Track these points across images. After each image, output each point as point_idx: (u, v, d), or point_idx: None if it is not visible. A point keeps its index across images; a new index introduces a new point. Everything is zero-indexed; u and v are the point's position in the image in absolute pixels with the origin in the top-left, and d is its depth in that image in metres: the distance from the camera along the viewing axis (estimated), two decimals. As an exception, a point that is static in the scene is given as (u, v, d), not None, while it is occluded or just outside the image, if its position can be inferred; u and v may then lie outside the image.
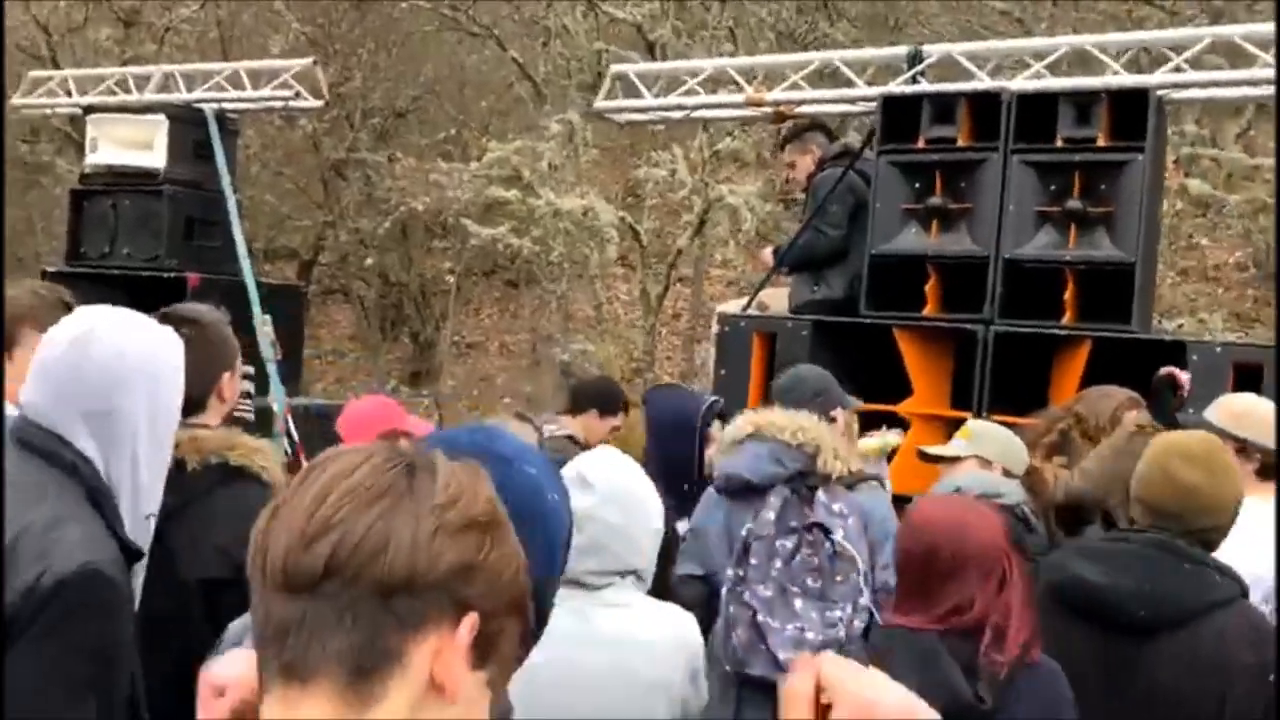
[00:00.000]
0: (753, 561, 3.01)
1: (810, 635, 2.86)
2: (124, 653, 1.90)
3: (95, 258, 6.74)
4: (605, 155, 12.04)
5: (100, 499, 1.95)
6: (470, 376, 14.35)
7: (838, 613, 2.88)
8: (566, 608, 2.12)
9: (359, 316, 14.96)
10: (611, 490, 2.23)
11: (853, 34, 10.37)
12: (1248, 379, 4.00)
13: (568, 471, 2.25)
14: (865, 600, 2.92)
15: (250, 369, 4.30)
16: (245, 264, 6.63)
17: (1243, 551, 2.67)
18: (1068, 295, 4.40)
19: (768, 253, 5.65)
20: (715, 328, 5.15)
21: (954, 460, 3.57)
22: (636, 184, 10.58)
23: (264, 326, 6.39)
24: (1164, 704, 2.42)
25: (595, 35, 10.84)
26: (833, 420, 3.39)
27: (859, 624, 2.89)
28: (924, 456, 3.67)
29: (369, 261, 12.44)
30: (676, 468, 3.67)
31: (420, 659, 0.95)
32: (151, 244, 6.61)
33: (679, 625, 2.33)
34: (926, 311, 4.65)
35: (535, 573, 1.29)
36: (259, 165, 13.20)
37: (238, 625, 1.55)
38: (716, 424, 3.83)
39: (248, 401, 4.06)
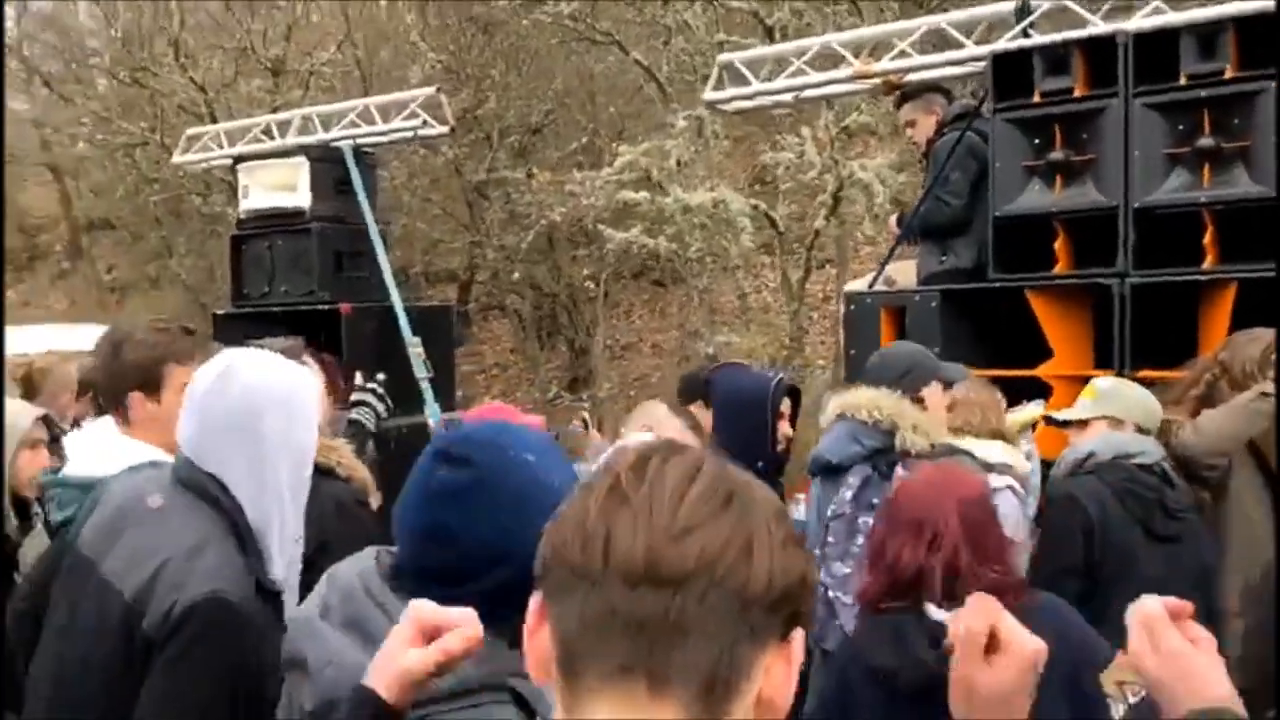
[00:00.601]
0: (830, 539, 3.03)
1: None
2: (248, 679, 1.96)
3: (257, 297, 7.17)
4: (738, 146, 12.04)
5: (243, 536, 2.06)
6: (625, 378, 14.58)
7: None
8: None
9: (516, 329, 15.40)
10: None
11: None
12: None
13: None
14: None
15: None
16: (393, 290, 6.94)
17: None
18: (1207, 238, 4.18)
19: (893, 221, 5.57)
20: (842, 308, 5.09)
21: (1083, 424, 3.51)
22: (767, 170, 10.52)
23: (415, 348, 6.67)
24: None
25: (715, 27, 10.84)
26: (919, 400, 3.33)
27: None
28: (1051, 421, 3.58)
29: (516, 276, 12.77)
30: (748, 447, 3.61)
31: (759, 674, 0.93)
32: (305, 280, 6.98)
33: None
34: (1058, 270, 4.49)
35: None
36: (408, 194, 13.75)
37: (303, 611, 1.62)
38: (786, 401, 3.82)
39: (367, 410, 4.31)
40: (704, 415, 4.39)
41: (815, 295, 12.71)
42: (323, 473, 2.55)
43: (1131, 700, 2.12)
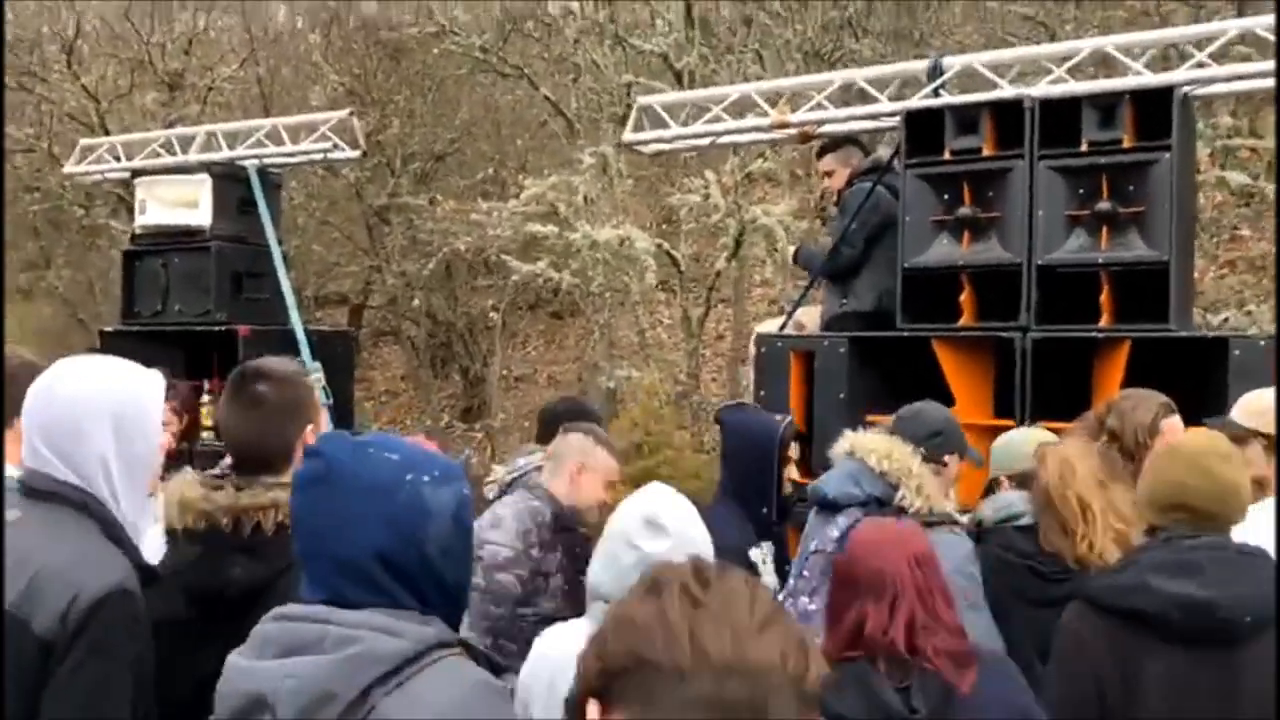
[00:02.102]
0: (805, 574, 3.05)
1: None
2: (147, 665, 2.04)
3: (148, 316, 6.94)
4: (640, 184, 12.15)
5: (115, 531, 2.10)
6: (520, 408, 14.49)
7: None
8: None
9: (410, 356, 15.19)
10: (683, 533, 2.31)
11: (878, 49, 10.39)
12: (1291, 371, 3.95)
13: (631, 512, 2.35)
14: None
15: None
16: (294, 314, 6.80)
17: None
18: (1103, 297, 4.39)
19: (790, 252, 5.74)
20: (753, 349, 5.18)
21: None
22: (671, 211, 10.66)
23: (315, 374, 6.54)
24: (1258, 707, 2.39)
25: (624, 68, 10.97)
26: (942, 465, 3.34)
27: None
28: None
29: (415, 302, 12.63)
30: (754, 491, 3.67)
31: None
32: (202, 299, 6.79)
33: None
34: (963, 321, 4.66)
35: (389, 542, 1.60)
36: (305, 214, 13.49)
37: (234, 662, 1.66)
38: (794, 446, 3.85)
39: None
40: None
41: (709, 332, 12.88)
42: None
43: None
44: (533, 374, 15.41)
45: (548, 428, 4.52)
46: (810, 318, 5.54)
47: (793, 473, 3.73)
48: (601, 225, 9.23)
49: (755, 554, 3.50)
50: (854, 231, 5.08)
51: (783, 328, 5.36)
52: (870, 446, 3.18)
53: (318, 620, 1.58)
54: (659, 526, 2.29)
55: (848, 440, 3.26)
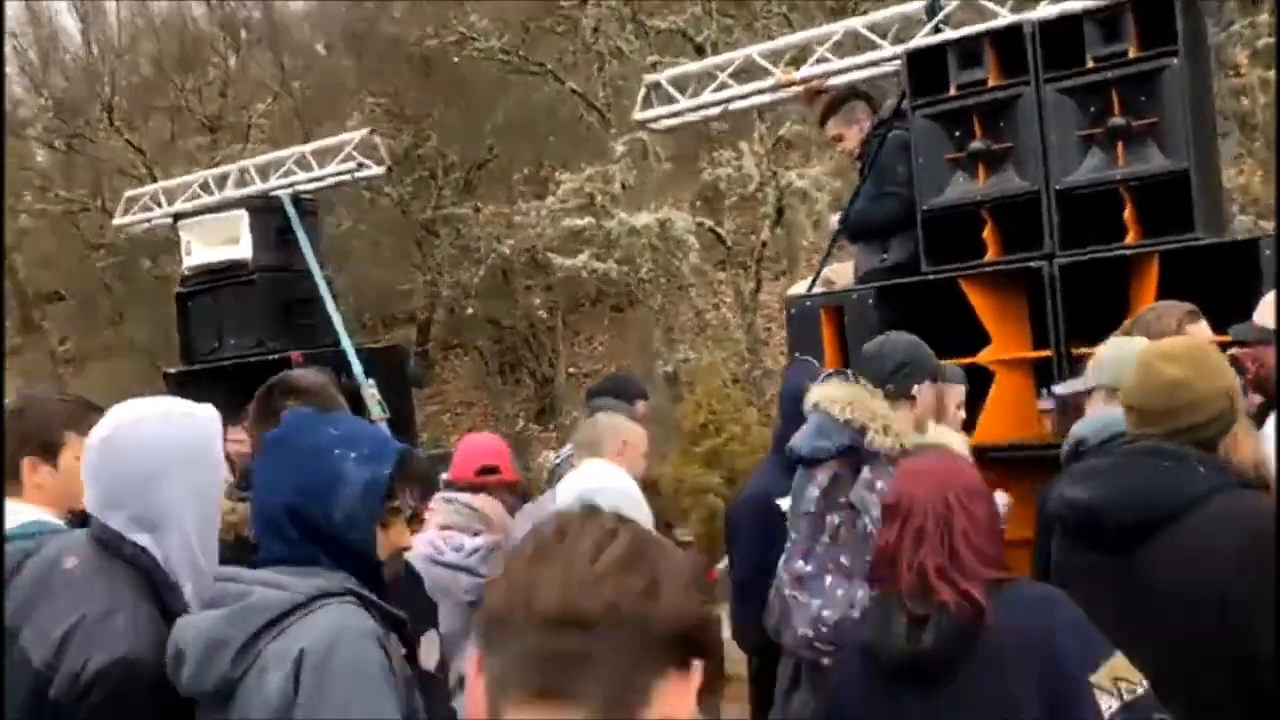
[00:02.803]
0: (793, 535, 3.04)
1: (827, 613, 2.88)
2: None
3: (206, 353, 7.13)
4: (679, 166, 12.14)
5: (160, 587, 2.08)
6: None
7: (861, 592, 2.87)
8: None
9: (478, 365, 15.41)
10: (614, 509, 2.35)
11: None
12: (1329, 266, 3.82)
13: (567, 491, 2.46)
14: None
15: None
16: (343, 334, 6.93)
17: None
18: (1127, 214, 4.27)
19: (834, 220, 5.58)
20: (785, 312, 5.15)
21: (1088, 394, 3.21)
22: (710, 187, 10.63)
23: (369, 389, 6.67)
24: (1169, 604, 2.38)
25: (648, 50, 10.96)
26: (910, 397, 3.27)
27: None
28: (1055, 395, 3.45)
29: (470, 310, 12.80)
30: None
31: (660, 700, 1.08)
32: (253, 331, 6.95)
33: None
34: (988, 257, 4.57)
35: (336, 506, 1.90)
36: (357, 239, 13.77)
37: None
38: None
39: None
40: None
41: (772, 305, 12.82)
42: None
43: (1126, 698, 2.17)
44: (600, 369, 15.52)
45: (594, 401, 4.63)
46: (840, 275, 5.47)
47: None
48: (640, 210, 9.24)
49: (784, 502, 3.48)
50: (902, 171, 4.85)
51: (811, 287, 5.31)
52: (832, 397, 3.13)
53: (230, 579, 1.90)
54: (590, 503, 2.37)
55: (813, 393, 3.21)
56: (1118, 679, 2.19)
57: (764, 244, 10.01)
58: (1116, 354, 3.11)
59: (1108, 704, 2.16)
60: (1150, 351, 2.60)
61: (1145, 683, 2.20)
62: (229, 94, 13.71)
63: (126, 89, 13.52)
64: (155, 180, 12.39)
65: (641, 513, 2.42)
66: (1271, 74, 7.21)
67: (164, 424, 2.16)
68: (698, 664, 1.10)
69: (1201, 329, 3.42)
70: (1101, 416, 3.04)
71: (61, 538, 2.25)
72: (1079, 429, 3.10)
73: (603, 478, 2.48)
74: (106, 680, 1.94)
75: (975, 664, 2.23)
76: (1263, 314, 3.12)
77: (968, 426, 4.23)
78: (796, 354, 5.03)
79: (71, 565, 2.09)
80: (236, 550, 2.38)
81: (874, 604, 2.46)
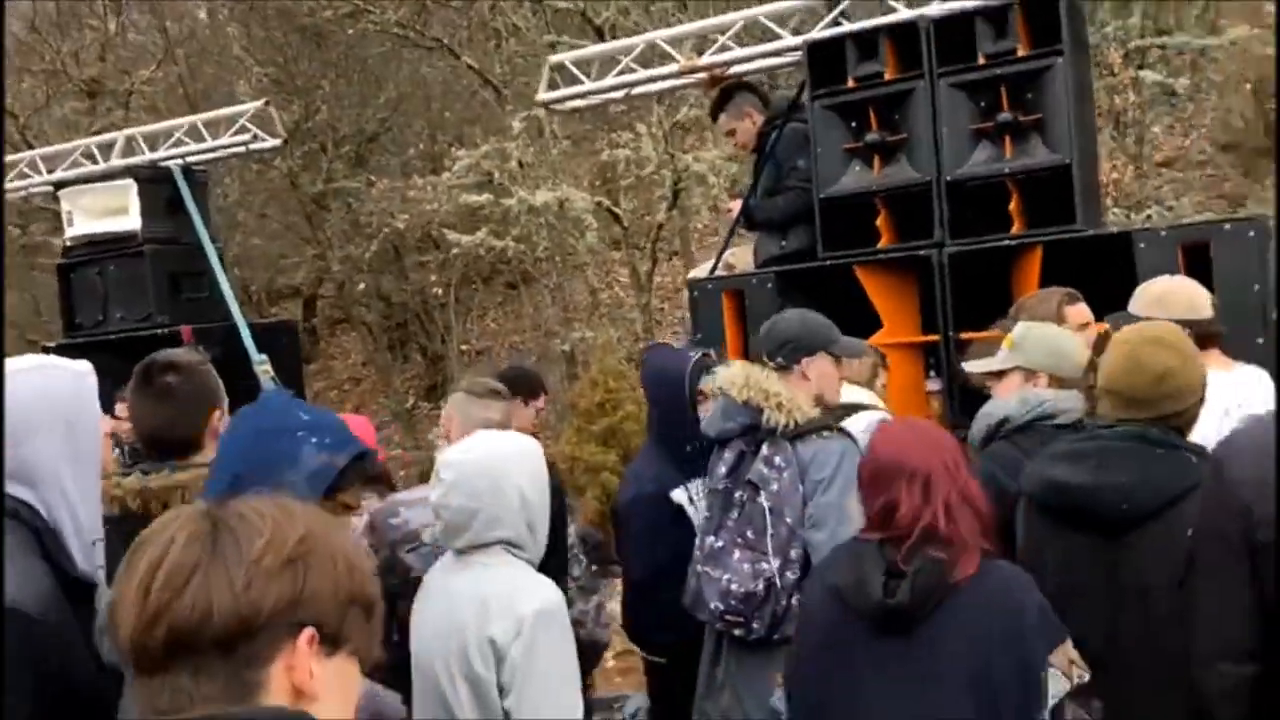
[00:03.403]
0: (706, 514, 3.15)
1: (735, 586, 2.97)
2: (59, 682, 2.04)
3: (90, 326, 6.93)
4: (577, 145, 12.15)
5: (44, 538, 2.11)
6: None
7: (765, 565, 2.97)
8: (442, 566, 2.59)
9: (367, 341, 15.17)
10: (458, 478, 2.51)
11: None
12: (1195, 257, 4.09)
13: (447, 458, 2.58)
14: (796, 553, 2.99)
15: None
16: (235, 309, 6.80)
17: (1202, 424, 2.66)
18: (1013, 206, 4.50)
19: (736, 203, 5.65)
20: (687, 294, 5.26)
21: (1000, 375, 3.27)
22: (608, 167, 10.69)
23: (262, 365, 6.56)
24: (1155, 592, 2.45)
25: (545, 28, 10.93)
26: (799, 370, 3.33)
27: (791, 575, 2.98)
28: (969, 374, 3.47)
29: (361, 286, 12.61)
30: (675, 431, 3.67)
31: (278, 678, 1.15)
32: (141, 304, 6.80)
33: (521, 589, 2.49)
34: (882, 244, 4.76)
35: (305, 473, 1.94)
36: (244, 210, 13.40)
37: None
38: (708, 379, 3.83)
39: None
40: (520, 411, 4.35)
41: (666, 286, 12.94)
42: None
43: (1075, 682, 2.31)
44: (493, 346, 15.44)
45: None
46: (741, 259, 5.61)
47: (709, 407, 3.75)
48: (537, 189, 9.24)
49: (679, 495, 3.56)
50: (804, 165, 5.01)
51: (713, 270, 5.44)
52: (729, 379, 3.21)
53: None
54: (438, 478, 2.54)
55: (718, 377, 3.30)
56: (1071, 662, 2.33)
57: (660, 225, 10.11)
58: (1034, 336, 3.21)
59: (1060, 687, 2.29)
60: (1136, 338, 2.62)
61: (1088, 673, 2.32)
62: (108, 58, 13.18)
63: (-2, 49, 12.88)
64: (29, 145, 11.87)
65: (492, 494, 2.50)
66: (1144, 73, 7.60)
67: (37, 378, 2.17)
68: (305, 633, 1.16)
69: (1080, 310, 3.64)
70: (1023, 396, 3.10)
71: None
72: (997, 408, 3.14)
73: (454, 456, 2.58)
74: None
75: (945, 622, 2.28)
76: (1138, 304, 3.32)
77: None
78: (698, 335, 5.16)
79: None
80: (119, 524, 2.38)
81: (848, 552, 2.47)
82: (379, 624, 1.26)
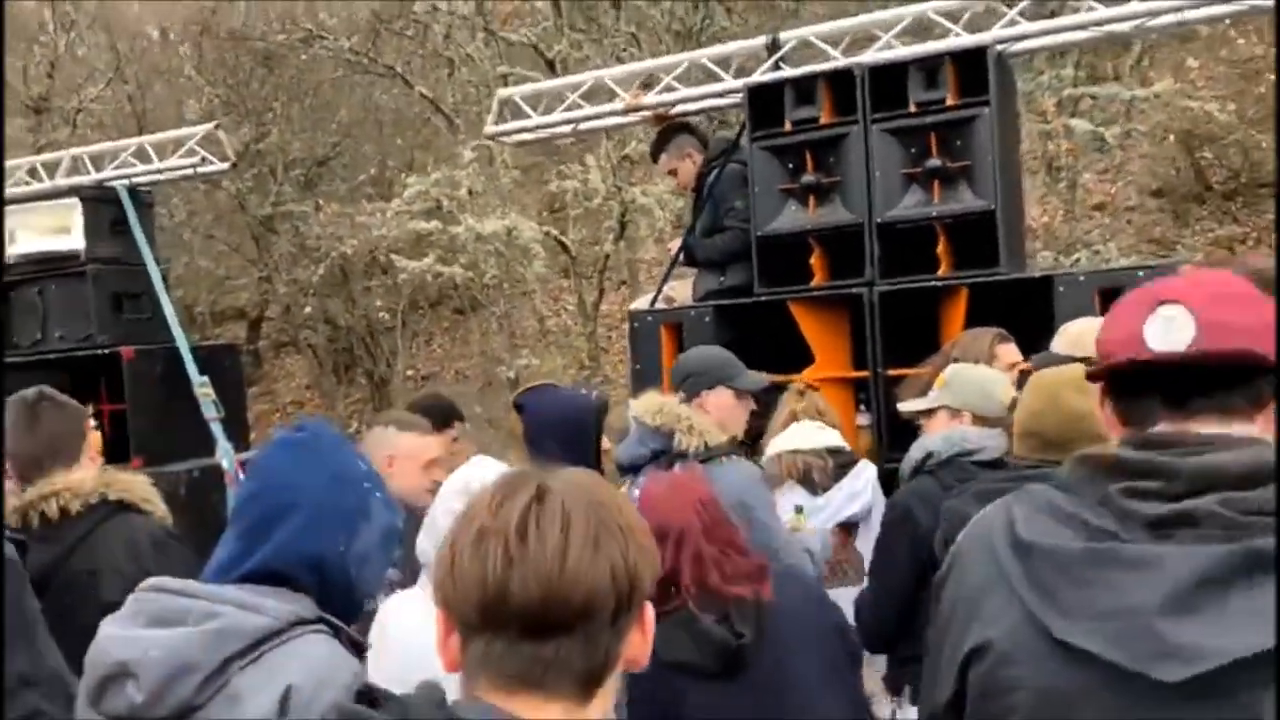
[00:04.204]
0: None
1: None
2: None
3: (28, 346, 6.89)
4: (526, 174, 12.27)
5: None
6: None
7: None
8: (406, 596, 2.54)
9: (312, 365, 15.12)
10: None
11: (741, 25, 10.64)
12: (1110, 301, 4.24)
13: (455, 484, 2.53)
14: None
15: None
16: (177, 331, 6.80)
17: None
18: (940, 248, 4.67)
19: (675, 244, 5.81)
20: (628, 326, 5.37)
21: (931, 413, 3.39)
22: (556, 197, 10.82)
23: (203, 389, 6.57)
24: None
25: (498, 60, 11.06)
26: (700, 402, 3.50)
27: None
28: (903, 413, 3.58)
29: (307, 310, 12.60)
30: (577, 465, 3.79)
31: (624, 651, 1.21)
32: (82, 324, 6.77)
33: None
34: (815, 282, 4.90)
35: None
36: (189, 231, 13.35)
37: (101, 633, 1.77)
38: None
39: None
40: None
41: (613, 315, 13.08)
42: (127, 508, 2.63)
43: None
44: (439, 372, 15.44)
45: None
46: (680, 292, 5.73)
47: (605, 443, 3.86)
48: (487, 217, 9.34)
49: None
50: (740, 207, 5.14)
51: (653, 302, 5.56)
52: (643, 407, 3.39)
53: (187, 595, 1.69)
54: (473, 494, 2.48)
55: (632, 406, 3.46)
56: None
57: (607, 257, 10.24)
58: (961, 377, 3.35)
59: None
60: (1054, 380, 2.68)
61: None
62: (56, 76, 13.10)
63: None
64: (-29, 161, 11.75)
65: None
66: (1076, 122, 7.89)
67: None
68: (649, 606, 1.22)
69: (1010, 350, 3.78)
70: (947, 434, 3.23)
71: None
72: (926, 442, 3.26)
73: (486, 473, 2.60)
74: None
75: (772, 647, 2.39)
76: (1059, 343, 3.48)
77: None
78: (637, 365, 5.27)
79: None
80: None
81: (668, 632, 2.42)
82: None
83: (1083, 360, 3.36)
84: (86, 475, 2.67)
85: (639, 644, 1.22)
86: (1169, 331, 1.45)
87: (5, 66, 9.42)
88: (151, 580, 1.75)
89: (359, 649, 1.79)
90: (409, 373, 14.58)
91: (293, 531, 1.72)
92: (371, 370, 14.48)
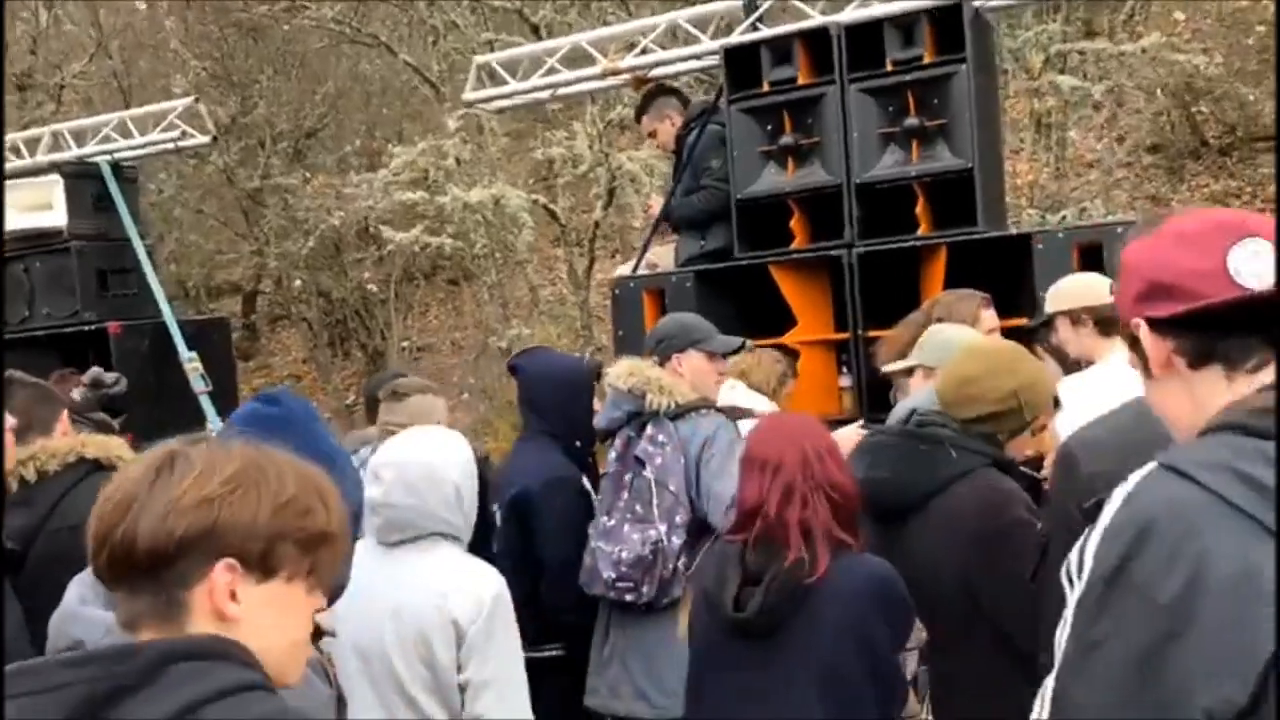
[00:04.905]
0: (599, 496, 3.32)
1: (625, 554, 3.18)
2: None
3: (16, 323, 6.90)
4: (516, 143, 12.19)
5: None
6: (424, 378, 14.54)
7: (652, 532, 3.17)
8: (380, 559, 2.60)
9: (307, 338, 15.11)
10: (398, 477, 2.60)
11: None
12: (1089, 258, 4.26)
13: (376, 456, 2.67)
14: (682, 518, 3.19)
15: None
16: (164, 306, 6.81)
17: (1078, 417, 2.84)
18: (919, 208, 4.65)
19: (656, 205, 5.78)
20: (610, 293, 5.36)
21: (909, 373, 3.45)
22: (545, 165, 10.76)
23: (191, 363, 6.58)
24: (924, 583, 2.58)
25: (483, 26, 10.97)
26: (675, 365, 3.54)
27: (676, 540, 3.21)
28: (882, 373, 3.68)
29: (298, 283, 12.57)
30: (566, 426, 3.82)
31: (200, 600, 1.29)
32: (68, 300, 6.78)
33: (477, 574, 2.63)
34: (795, 245, 4.89)
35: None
36: (179, 206, 13.30)
37: (61, 609, 1.79)
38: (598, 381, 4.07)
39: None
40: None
41: (606, 283, 13.04)
42: (103, 466, 2.67)
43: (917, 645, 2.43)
44: (435, 343, 15.44)
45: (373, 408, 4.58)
46: (663, 257, 5.72)
47: (597, 405, 3.93)
48: (473, 186, 9.30)
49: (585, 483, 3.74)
50: (717, 167, 5.13)
51: (635, 269, 5.55)
52: (618, 372, 3.48)
53: None
54: (376, 477, 2.62)
55: (608, 374, 3.53)
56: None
57: (596, 224, 10.21)
58: (937, 338, 3.39)
59: (913, 665, 2.41)
60: (963, 348, 2.85)
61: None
62: (39, 52, 13.00)
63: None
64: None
65: (428, 489, 2.63)
66: (1062, 78, 7.83)
67: None
68: (222, 563, 1.29)
69: (990, 315, 3.79)
70: (930, 390, 3.15)
71: None
72: (908, 401, 3.25)
73: (388, 454, 2.70)
74: None
75: (801, 626, 2.37)
76: (1048, 304, 3.50)
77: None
78: (620, 332, 5.27)
79: None
80: None
81: (715, 555, 2.57)
82: (331, 555, 1.39)
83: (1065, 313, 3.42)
84: (62, 439, 2.70)
85: (217, 598, 1.30)
86: (1261, 266, 1.31)
87: (4, 66, 9.38)
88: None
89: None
90: (404, 344, 14.57)
91: None
92: (366, 343, 14.47)
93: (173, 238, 13.12)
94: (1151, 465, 1.30)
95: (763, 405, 3.88)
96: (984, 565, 2.55)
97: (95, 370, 4.51)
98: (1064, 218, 7.34)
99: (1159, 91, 8.54)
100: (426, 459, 2.64)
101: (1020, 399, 2.72)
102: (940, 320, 3.87)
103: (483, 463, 5.03)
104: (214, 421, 6.43)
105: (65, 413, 2.81)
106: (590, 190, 10.40)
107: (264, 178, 12.40)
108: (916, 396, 3.26)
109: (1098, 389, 2.91)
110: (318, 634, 1.73)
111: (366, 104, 13.29)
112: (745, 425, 3.55)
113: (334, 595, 1.80)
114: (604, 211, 10.06)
